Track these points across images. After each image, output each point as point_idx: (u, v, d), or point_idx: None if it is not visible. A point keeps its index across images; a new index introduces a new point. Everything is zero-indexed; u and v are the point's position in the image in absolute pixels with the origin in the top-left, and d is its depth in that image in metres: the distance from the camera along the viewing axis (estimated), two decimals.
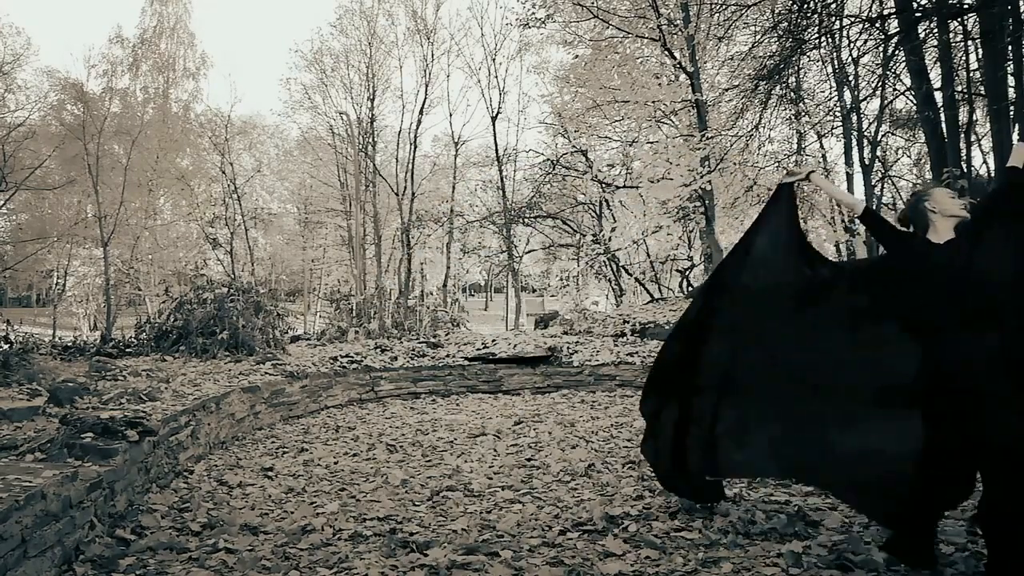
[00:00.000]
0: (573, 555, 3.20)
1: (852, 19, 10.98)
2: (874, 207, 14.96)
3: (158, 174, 22.95)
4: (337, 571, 3.09)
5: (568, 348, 9.63)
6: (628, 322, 10.94)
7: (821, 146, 17.87)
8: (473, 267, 37.21)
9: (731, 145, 13.33)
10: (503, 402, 8.25)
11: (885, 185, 17.35)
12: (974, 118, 12.83)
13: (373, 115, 25.23)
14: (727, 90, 13.72)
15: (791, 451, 3.23)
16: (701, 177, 13.76)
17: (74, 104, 21.86)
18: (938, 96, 10.38)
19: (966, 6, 9.60)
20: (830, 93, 15.76)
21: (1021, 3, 8.86)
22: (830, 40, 12.93)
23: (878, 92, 13.68)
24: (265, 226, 30.92)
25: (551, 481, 4.56)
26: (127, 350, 8.92)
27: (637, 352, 9.41)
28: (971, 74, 11.47)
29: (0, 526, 2.56)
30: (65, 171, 21.92)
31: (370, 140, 25.40)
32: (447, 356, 9.48)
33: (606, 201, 21.93)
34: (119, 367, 6.81)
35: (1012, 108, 9.15)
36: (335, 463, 5.18)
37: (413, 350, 9.75)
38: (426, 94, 24.98)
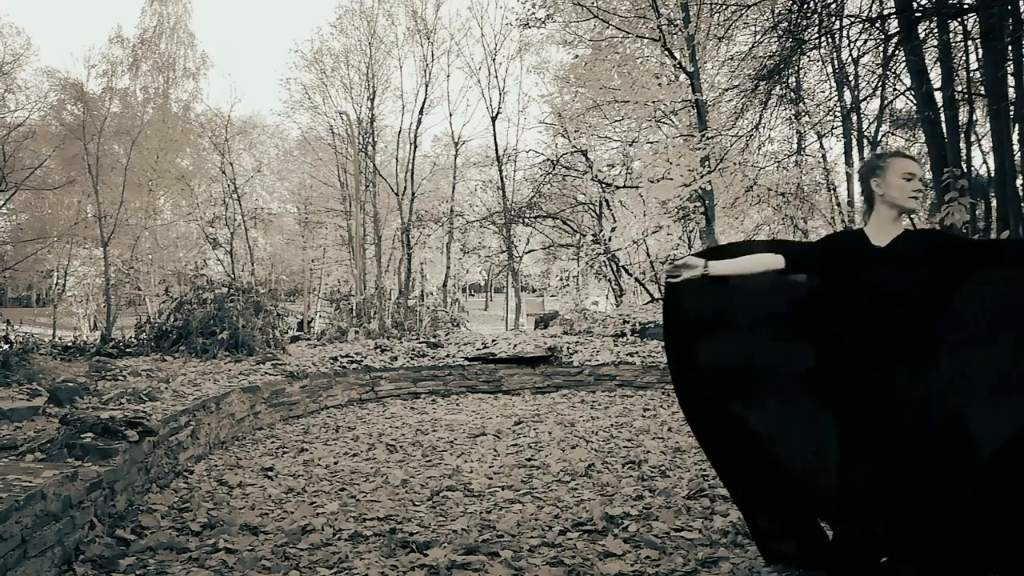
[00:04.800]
0: (573, 555, 3.20)
1: (852, 19, 10.97)
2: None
3: (158, 174, 22.98)
4: (337, 571, 3.09)
5: (568, 348, 9.63)
6: (628, 322, 10.95)
7: (821, 146, 17.86)
8: (473, 267, 37.23)
9: (731, 145, 13.32)
10: (503, 402, 8.25)
11: None
12: (974, 118, 12.81)
13: (373, 115, 25.23)
14: (727, 90, 13.72)
15: None
16: (701, 177, 13.75)
17: (74, 104, 21.89)
18: (938, 96, 10.37)
19: (966, 6, 9.59)
20: (830, 93, 15.76)
21: (1021, 3, 8.86)
22: (830, 40, 12.91)
23: (878, 92, 13.68)
24: (265, 226, 30.90)
25: (551, 481, 4.56)
26: (127, 350, 8.92)
27: (637, 352, 9.40)
28: (971, 74, 11.45)
29: (0, 526, 2.56)
30: (65, 171, 21.95)
31: (370, 140, 25.39)
32: (447, 356, 9.48)
33: (606, 201, 21.92)
34: (119, 367, 6.81)
35: (1012, 108, 9.14)
36: (335, 463, 5.17)
37: (413, 350, 9.75)
38: (426, 94, 25.02)
